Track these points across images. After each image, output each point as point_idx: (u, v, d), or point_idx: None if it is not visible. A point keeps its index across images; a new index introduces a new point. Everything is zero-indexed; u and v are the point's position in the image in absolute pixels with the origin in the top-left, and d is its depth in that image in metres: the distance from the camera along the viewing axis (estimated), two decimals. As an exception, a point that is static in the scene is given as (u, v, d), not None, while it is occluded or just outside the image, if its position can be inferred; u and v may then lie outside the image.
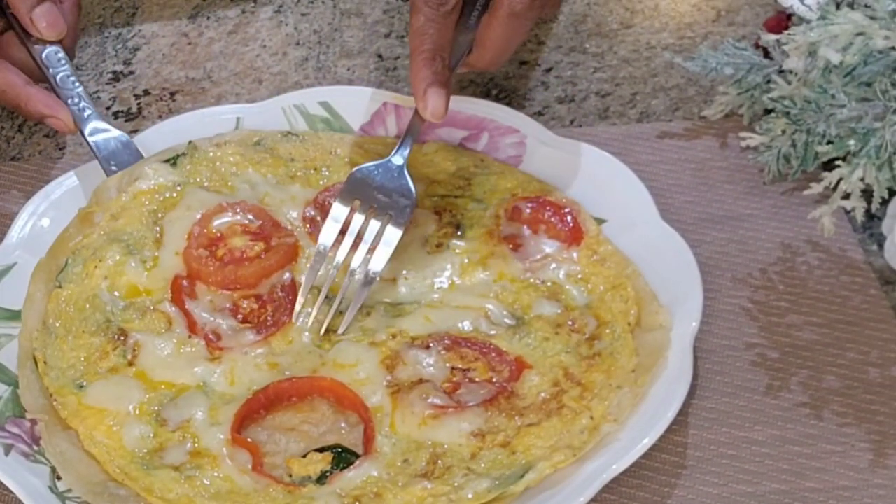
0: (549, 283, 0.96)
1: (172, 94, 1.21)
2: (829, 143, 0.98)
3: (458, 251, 0.98)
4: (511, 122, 1.07)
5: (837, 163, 0.97)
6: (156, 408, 0.89)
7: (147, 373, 0.91)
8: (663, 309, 0.91)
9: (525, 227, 0.99)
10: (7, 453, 0.86)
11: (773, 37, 1.03)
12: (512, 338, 0.92)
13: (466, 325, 0.93)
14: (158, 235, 0.99)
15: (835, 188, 0.97)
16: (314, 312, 0.94)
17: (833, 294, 0.97)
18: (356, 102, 1.09)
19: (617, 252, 0.97)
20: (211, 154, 1.04)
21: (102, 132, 1.05)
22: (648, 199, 0.99)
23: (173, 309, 0.95)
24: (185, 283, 0.96)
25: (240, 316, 0.95)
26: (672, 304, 0.92)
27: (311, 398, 0.90)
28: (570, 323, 0.93)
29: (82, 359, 0.92)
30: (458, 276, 0.97)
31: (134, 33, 1.27)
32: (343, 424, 0.89)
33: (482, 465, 0.85)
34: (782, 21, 1.07)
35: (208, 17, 1.29)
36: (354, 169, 0.98)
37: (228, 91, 1.21)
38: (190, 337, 0.93)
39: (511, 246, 0.98)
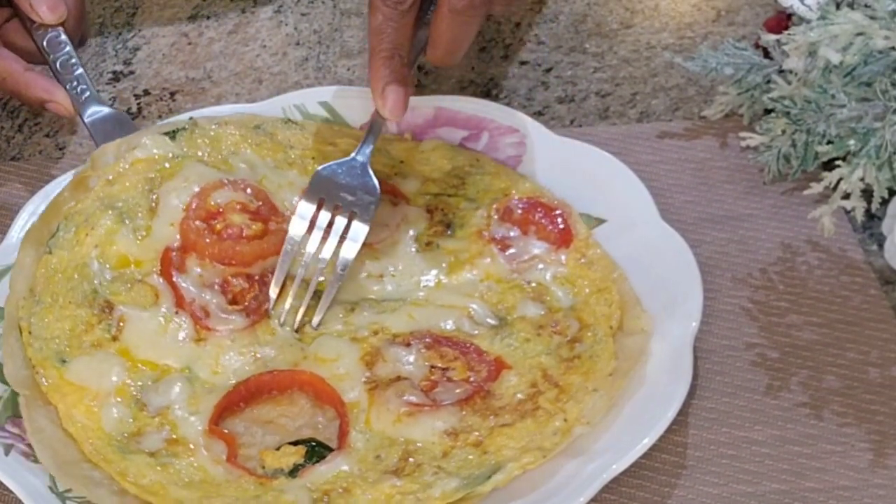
0: (534, 284, 0.96)
1: (172, 94, 1.21)
2: (829, 143, 0.98)
3: (447, 250, 0.99)
4: (511, 122, 1.07)
5: (837, 163, 0.97)
6: (136, 391, 0.89)
7: (131, 350, 0.91)
8: (645, 314, 0.91)
9: (515, 227, 0.99)
10: (7, 453, 0.86)
11: (773, 37, 1.03)
12: (493, 338, 0.93)
13: (449, 325, 0.94)
14: (154, 205, 0.98)
15: (835, 188, 0.97)
16: (289, 302, 0.94)
17: (833, 294, 0.97)
18: (356, 102, 1.09)
19: (605, 256, 0.97)
20: (212, 132, 1.04)
21: (100, 113, 1.05)
22: (648, 199, 0.99)
23: (161, 282, 0.94)
24: (174, 255, 0.95)
25: (229, 294, 0.94)
26: (672, 304, 0.91)
27: (291, 392, 0.90)
28: (552, 325, 0.93)
29: (67, 330, 0.91)
30: (446, 275, 0.97)
31: (134, 33, 1.27)
32: (320, 419, 0.89)
33: (453, 463, 0.85)
34: (782, 21, 1.07)
35: (208, 17, 1.29)
36: (319, 168, 0.98)
37: (228, 91, 1.21)
38: (177, 313, 0.93)
39: (500, 246, 0.98)
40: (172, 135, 1.03)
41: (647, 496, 0.86)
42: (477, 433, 0.86)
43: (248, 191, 0.99)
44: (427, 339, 0.92)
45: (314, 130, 1.07)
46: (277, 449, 0.87)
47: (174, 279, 0.94)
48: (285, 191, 1.01)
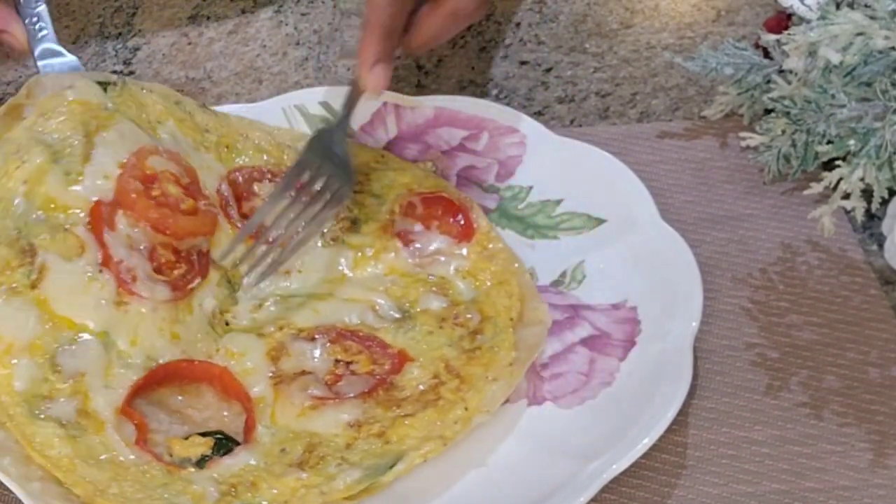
0: (437, 278, 0.97)
1: (172, 94, 1.20)
2: (829, 143, 0.98)
3: (352, 245, 0.99)
4: (511, 122, 1.07)
5: (837, 163, 0.97)
6: (51, 351, 0.86)
7: (50, 302, 0.87)
8: (543, 305, 0.93)
9: (419, 222, 1.00)
10: (6, 453, 0.86)
11: (773, 37, 1.03)
12: (397, 331, 0.93)
13: (353, 318, 0.94)
14: (88, 151, 0.94)
15: (835, 188, 0.97)
16: (240, 252, 0.94)
17: (833, 294, 0.97)
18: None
19: (506, 249, 0.98)
20: (139, 96, 1.01)
21: (54, 56, 1.05)
22: (648, 199, 0.99)
23: (89, 235, 0.90)
24: (105, 210, 0.91)
25: (154, 263, 0.92)
26: (672, 304, 0.92)
27: (199, 383, 0.89)
28: (454, 317, 0.94)
29: None
30: (351, 270, 0.98)
31: (134, 33, 1.27)
32: (226, 413, 0.89)
33: (356, 455, 0.85)
34: (782, 21, 1.07)
35: (208, 18, 1.29)
36: (322, 126, 0.98)
37: (228, 91, 1.21)
38: (101, 270, 0.89)
39: (404, 241, 0.99)
40: (104, 86, 1.00)
41: (647, 496, 0.86)
42: (380, 424, 0.86)
43: (181, 168, 0.97)
44: (331, 334, 0.92)
45: (226, 120, 1.06)
46: (186, 438, 0.86)
47: (104, 235, 0.90)
48: (204, 173, 0.99)
